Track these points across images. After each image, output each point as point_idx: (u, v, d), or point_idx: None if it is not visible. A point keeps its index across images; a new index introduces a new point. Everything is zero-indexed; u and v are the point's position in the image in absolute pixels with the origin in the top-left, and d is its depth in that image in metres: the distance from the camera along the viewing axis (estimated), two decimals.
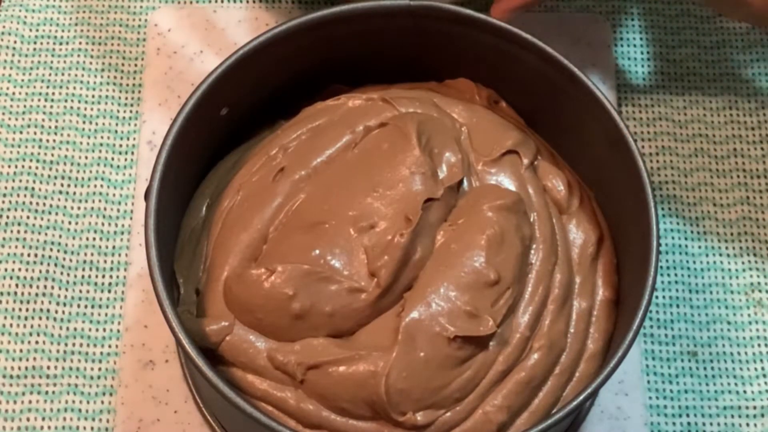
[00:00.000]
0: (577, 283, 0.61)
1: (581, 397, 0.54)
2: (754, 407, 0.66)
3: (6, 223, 0.69)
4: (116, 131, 0.72)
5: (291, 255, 0.58)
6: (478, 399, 0.57)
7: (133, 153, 0.71)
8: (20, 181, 0.70)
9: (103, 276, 0.68)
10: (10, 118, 0.72)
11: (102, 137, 0.72)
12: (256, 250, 0.59)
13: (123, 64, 0.74)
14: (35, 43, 0.74)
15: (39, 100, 0.73)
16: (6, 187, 0.70)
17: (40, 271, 0.67)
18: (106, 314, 0.67)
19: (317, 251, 0.58)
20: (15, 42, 0.74)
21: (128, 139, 0.72)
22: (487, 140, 0.63)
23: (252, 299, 0.58)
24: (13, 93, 0.73)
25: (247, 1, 0.76)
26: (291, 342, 0.58)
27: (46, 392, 0.65)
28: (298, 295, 0.57)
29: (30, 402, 0.65)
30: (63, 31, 0.75)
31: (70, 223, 0.69)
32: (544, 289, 0.60)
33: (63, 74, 0.74)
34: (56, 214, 0.69)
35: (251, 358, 0.57)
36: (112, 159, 0.71)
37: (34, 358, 0.66)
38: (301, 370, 0.57)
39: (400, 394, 0.56)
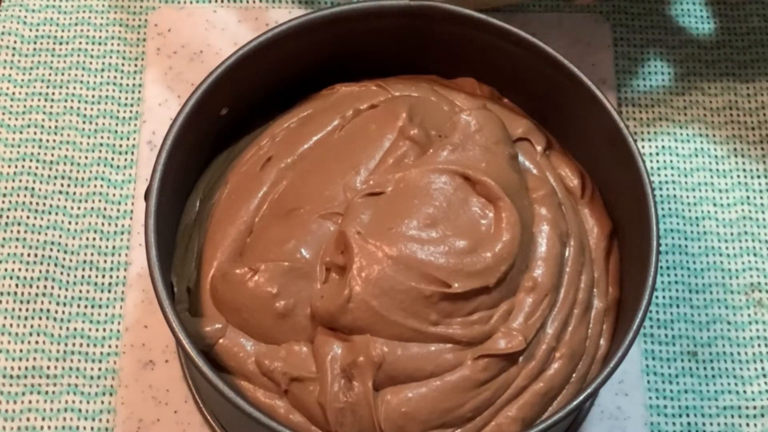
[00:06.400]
0: (595, 281, 0.59)
1: (581, 397, 0.53)
2: (754, 407, 0.66)
3: (6, 223, 0.69)
4: (116, 131, 0.72)
5: (270, 247, 0.57)
6: (492, 415, 0.55)
7: (133, 153, 0.71)
8: (20, 181, 0.70)
9: (103, 276, 0.68)
10: (10, 118, 0.72)
11: (102, 137, 0.72)
12: (243, 243, 0.58)
13: (123, 64, 0.74)
14: (35, 43, 0.74)
15: (39, 100, 0.73)
16: (6, 187, 0.70)
17: (40, 271, 0.67)
18: (106, 314, 0.67)
19: (292, 242, 0.57)
20: (15, 42, 0.74)
21: (128, 139, 0.72)
22: None
23: (237, 299, 0.57)
24: (13, 93, 0.73)
25: (247, 1, 0.76)
26: (277, 345, 0.56)
27: (46, 392, 0.65)
28: (281, 293, 0.56)
29: (30, 402, 0.65)
30: (63, 31, 0.75)
31: (70, 223, 0.69)
32: (573, 293, 0.58)
33: (63, 74, 0.74)
34: (56, 214, 0.69)
35: (241, 362, 0.56)
36: (112, 159, 0.71)
37: (34, 358, 0.66)
38: (285, 380, 0.55)
39: (404, 418, 0.54)
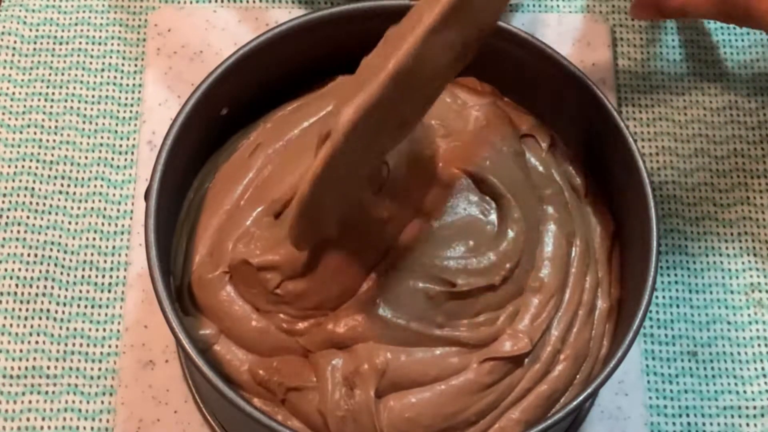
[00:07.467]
0: (599, 281, 0.59)
1: (581, 397, 0.53)
2: (754, 407, 0.66)
3: (6, 223, 0.69)
4: (116, 131, 0.72)
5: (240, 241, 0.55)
6: (495, 418, 0.55)
7: (133, 153, 0.71)
8: (20, 181, 0.70)
9: (103, 276, 0.68)
10: (10, 118, 0.72)
11: (102, 137, 0.72)
12: (223, 233, 0.57)
13: (123, 64, 0.74)
14: (35, 43, 0.74)
15: (39, 100, 0.73)
16: (6, 187, 0.70)
17: (40, 271, 0.67)
18: (106, 314, 0.67)
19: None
20: (15, 42, 0.74)
21: (128, 139, 0.72)
22: None
23: (216, 306, 0.55)
24: (13, 93, 0.73)
25: (247, 1, 0.76)
26: (267, 357, 0.55)
27: (46, 392, 0.65)
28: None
29: (30, 402, 0.65)
30: (63, 31, 0.75)
31: (70, 223, 0.69)
32: (578, 294, 0.57)
33: (63, 74, 0.74)
34: (56, 214, 0.69)
35: (234, 370, 0.55)
36: (112, 159, 0.71)
37: (34, 358, 0.66)
38: (282, 390, 0.54)
39: (407, 423, 0.53)
